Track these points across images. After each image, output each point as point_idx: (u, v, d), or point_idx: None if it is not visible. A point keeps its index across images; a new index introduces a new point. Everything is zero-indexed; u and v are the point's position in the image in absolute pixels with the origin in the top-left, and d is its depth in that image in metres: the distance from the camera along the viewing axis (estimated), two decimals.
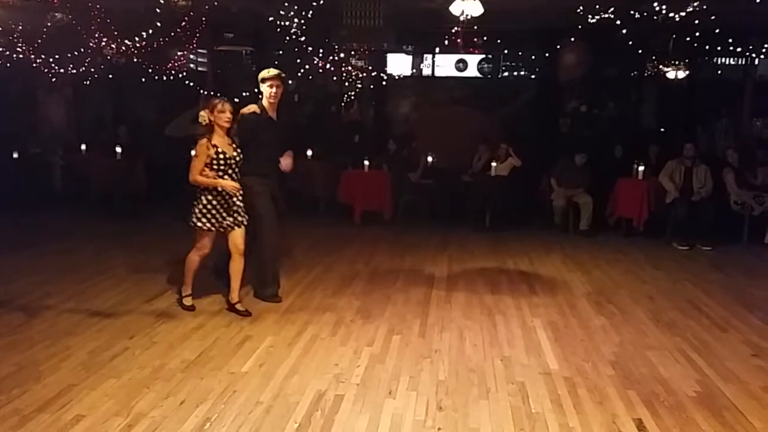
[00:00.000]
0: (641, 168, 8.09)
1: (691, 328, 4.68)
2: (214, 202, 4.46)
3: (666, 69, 10.20)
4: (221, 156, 4.40)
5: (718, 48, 9.79)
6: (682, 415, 3.32)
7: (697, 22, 7.55)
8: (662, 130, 11.05)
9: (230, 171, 4.46)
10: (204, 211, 4.45)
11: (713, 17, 7.47)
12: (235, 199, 4.52)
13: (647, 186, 7.98)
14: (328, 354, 4.04)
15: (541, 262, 6.72)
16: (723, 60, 11.08)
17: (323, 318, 4.72)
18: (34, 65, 9.33)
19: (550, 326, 4.67)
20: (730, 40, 9.30)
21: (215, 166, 4.39)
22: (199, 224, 4.48)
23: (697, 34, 8.59)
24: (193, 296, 4.81)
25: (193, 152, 4.44)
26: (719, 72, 11.26)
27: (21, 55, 9.16)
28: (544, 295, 5.50)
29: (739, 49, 9.83)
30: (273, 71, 4.77)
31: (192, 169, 4.38)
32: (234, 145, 4.52)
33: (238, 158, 4.51)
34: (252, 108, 4.69)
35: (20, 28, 8.74)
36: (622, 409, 3.36)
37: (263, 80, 4.75)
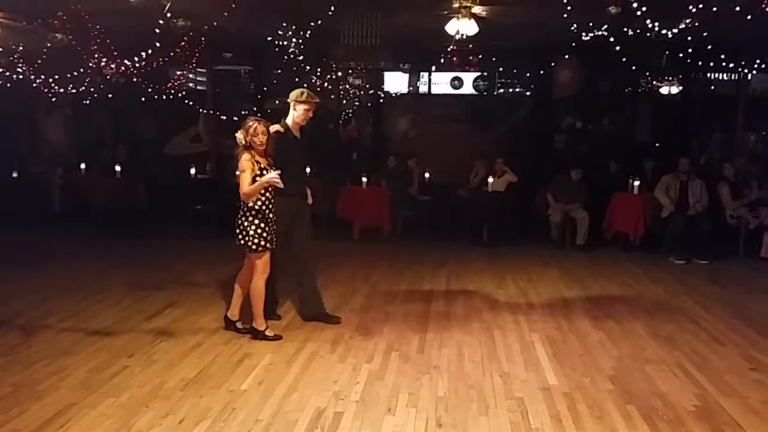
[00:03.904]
0: (637, 183, 8.15)
1: (689, 342, 4.70)
2: (263, 221, 4.43)
3: (660, 85, 10.32)
4: (264, 173, 4.40)
5: (711, 64, 9.89)
6: (681, 429, 3.32)
7: (689, 38, 7.64)
8: (657, 144, 11.13)
9: (270, 188, 4.47)
10: (258, 231, 4.42)
11: (706, 33, 7.57)
12: (271, 215, 4.53)
13: (643, 201, 8.04)
14: (327, 371, 4.04)
15: (539, 277, 6.74)
16: (716, 75, 11.20)
17: (322, 335, 4.73)
18: (35, 85, 9.41)
19: (548, 341, 4.68)
20: (723, 56, 9.40)
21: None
22: (261, 244, 4.43)
23: (690, 50, 8.70)
24: (267, 325, 4.67)
25: (239, 170, 4.40)
26: (712, 87, 11.38)
27: (21, 76, 9.24)
28: (542, 310, 5.51)
29: (732, 65, 9.94)
30: (314, 96, 4.79)
31: (242, 184, 4.35)
32: (271, 162, 4.52)
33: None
34: (275, 128, 4.68)
35: (21, 48, 8.83)
36: (622, 423, 3.37)
37: (301, 102, 4.73)
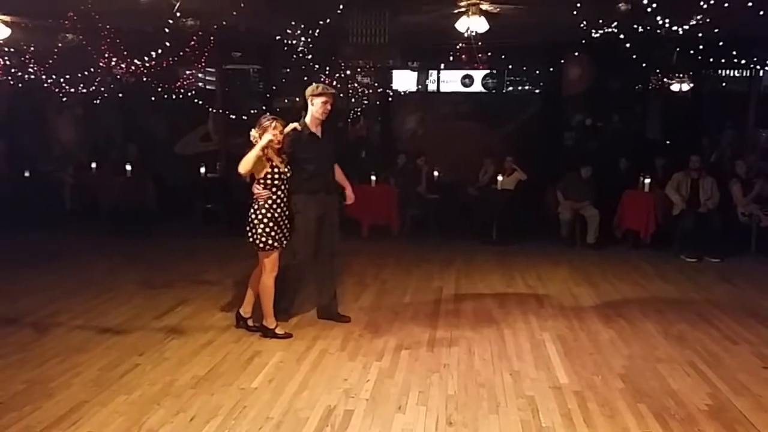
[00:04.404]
0: (647, 180, 8.10)
1: (700, 341, 4.67)
2: (274, 218, 4.43)
3: (670, 82, 10.25)
4: (275, 171, 4.42)
5: (722, 60, 9.80)
6: (693, 428, 3.30)
7: (700, 34, 7.57)
8: (668, 142, 11.06)
9: (282, 186, 4.49)
10: (267, 229, 4.41)
11: (717, 30, 7.50)
12: (287, 212, 4.53)
13: (654, 198, 7.99)
14: (338, 369, 4.05)
15: (549, 276, 6.72)
16: (727, 72, 11.11)
17: (332, 333, 4.74)
18: (46, 85, 9.47)
19: (559, 340, 4.66)
20: (734, 53, 9.31)
21: (269, 181, 4.41)
22: (270, 243, 4.43)
23: (701, 46, 8.62)
24: (278, 324, 4.66)
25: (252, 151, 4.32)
26: (724, 84, 11.29)
27: (33, 76, 9.30)
28: (552, 309, 5.49)
29: (743, 61, 9.85)
30: (329, 88, 4.75)
31: (246, 162, 4.26)
32: (285, 160, 4.53)
33: (289, 173, 4.52)
34: (292, 126, 4.65)
35: (32, 48, 8.89)
36: (633, 422, 3.35)
37: (317, 95, 4.67)
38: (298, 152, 4.61)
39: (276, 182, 4.44)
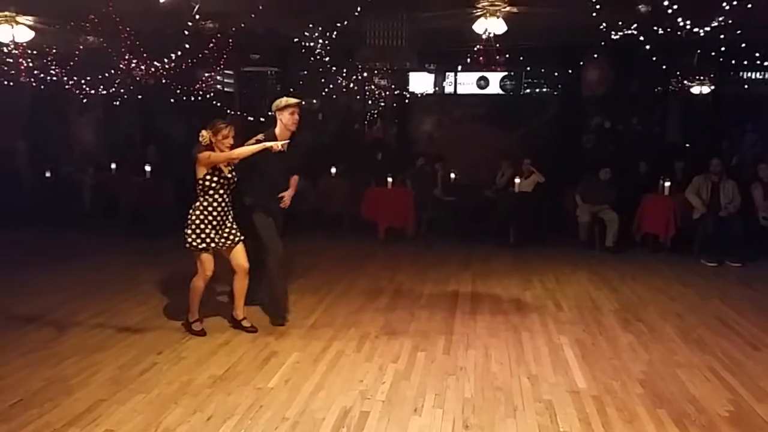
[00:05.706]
0: (667, 184, 8.00)
1: (721, 346, 4.59)
2: (206, 221, 4.47)
3: (691, 84, 10.12)
4: (216, 173, 4.49)
5: (744, 62, 9.66)
6: None
7: (722, 36, 7.47)
8: (687, 145, 10.93)
9: (221, 190, 4.52)
10: (198, 231, 4.45)
11: (738, 32, 7.41)
12: (228, 216, 4.58)
13: (674, 202, 7.89)
14: (354, 370, 4.04)
15: (567, 279, 6.66)
16: (749, 74, 10.95)
17: (348, 334, 4.74)
18: (67, 87, 9.61)
19: (577, 344, 4.61)
20: (756, 55, 9.18)
21: (207, 182, 4.47)
22: (195, 244, 4.46)
23: (722, 48, 8.51)
24: (201, 321, 4.74)
25: (201, 155, 4.49)
26: (745, 86, 11.12)
27: (54, 78, 9.44)
28: (570, 313, 5.44)
29: (765, 64, 9.70)
30: (293, 99, 4.80)
31: (242, 153, 4.45)
32: (230, 167, 4.59)
33: (232, 180, 4.59)
34: (256, 138, 4.71)
35: (54, 51, 9.03)
36: (653, 428, 3.31)
37: (285, 107, 4.75)
38: (256, 164, 4.67)
39: (214, 185, 4.48)
